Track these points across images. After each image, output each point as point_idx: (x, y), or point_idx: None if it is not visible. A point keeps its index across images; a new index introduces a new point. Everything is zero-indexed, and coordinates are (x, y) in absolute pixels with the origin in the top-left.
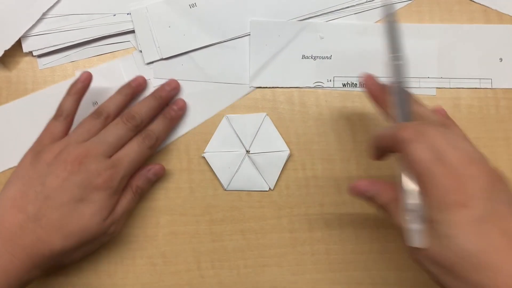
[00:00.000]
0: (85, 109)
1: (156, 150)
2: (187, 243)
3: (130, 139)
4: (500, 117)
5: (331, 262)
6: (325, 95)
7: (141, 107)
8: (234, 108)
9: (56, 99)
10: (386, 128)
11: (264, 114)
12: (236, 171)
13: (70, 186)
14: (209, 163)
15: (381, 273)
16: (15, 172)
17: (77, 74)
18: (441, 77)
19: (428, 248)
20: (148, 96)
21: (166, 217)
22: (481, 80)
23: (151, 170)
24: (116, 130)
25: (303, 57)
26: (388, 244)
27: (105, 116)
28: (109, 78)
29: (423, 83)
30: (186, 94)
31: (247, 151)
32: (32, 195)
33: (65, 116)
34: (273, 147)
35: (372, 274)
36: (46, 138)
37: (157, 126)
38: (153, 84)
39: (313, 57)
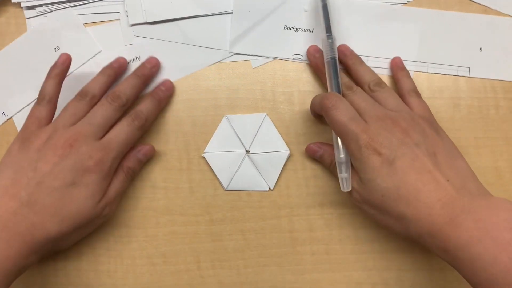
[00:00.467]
0: (48, 56)
1: (145, 130)
2: (187, 243)
3: (117, 119)
4: (500, 117)
5: (331, 262)
6: None
7: (124, 86)
8: (234, 108)
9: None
10: (317, 96)
11: (264, 114)
12: (236, 171)
13: (62, 170)
14: (209, 163)
15: (381, 273)
16: (3, 160)
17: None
18: (420, 61)
19: (359, 192)
20: (130, 75)
21: (166, 217)
22: (459, 67)
23: (141, 151)
24: (102, 111)
25: (285, 27)
26: (388, 244)
27: (90, 97)
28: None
29: None
30: (163, 53)
31: (247, 151)
32: (24, 181)
33: (48, 99)
34: (273, 147)
35: (372, 274)
36: (32, 124)
37: (145, 106)
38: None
39: (295, 29)
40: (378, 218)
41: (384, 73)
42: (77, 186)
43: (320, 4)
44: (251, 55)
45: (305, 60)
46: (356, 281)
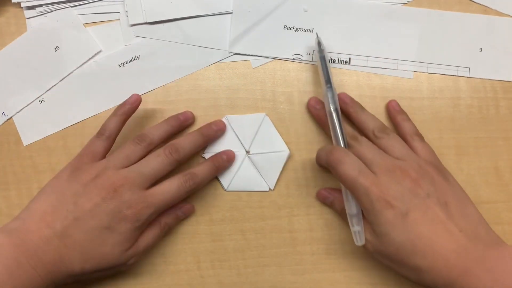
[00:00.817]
0: (48, 56)
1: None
2: (187, 243)
3: (168, 171)
4: (500, 117)
5: (331, 262)
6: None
7: (186, 142)
8: (234, 108)
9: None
10: (322, 149)
11: (264, 114)
12: (236, 172)
13: (100, 212)
14: None
15: (381, 273)
16: (50, 184)
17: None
18: (420, 61)
19: (373, 244)
20: (194, 132)
21: None
22: (459, 68)
23: (181, 208)
24: (156, 162)
25: (285, 27)
26: None
27: (147, 143)
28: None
29: (401, 66)
30: (163, 53)
31: (247, 152)
32: (63, 213)
33: (107, 135)
34: (273, 148)
35: (372, 274)
36: (86, 156)
37: (203, 170)
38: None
39: (294, 29)
40: (393, 267)
41: (384, 73)
42: (110, 231)
43: (318, 56)
44: (251, 55)
45: (305, 60)
46: (356, 281)
